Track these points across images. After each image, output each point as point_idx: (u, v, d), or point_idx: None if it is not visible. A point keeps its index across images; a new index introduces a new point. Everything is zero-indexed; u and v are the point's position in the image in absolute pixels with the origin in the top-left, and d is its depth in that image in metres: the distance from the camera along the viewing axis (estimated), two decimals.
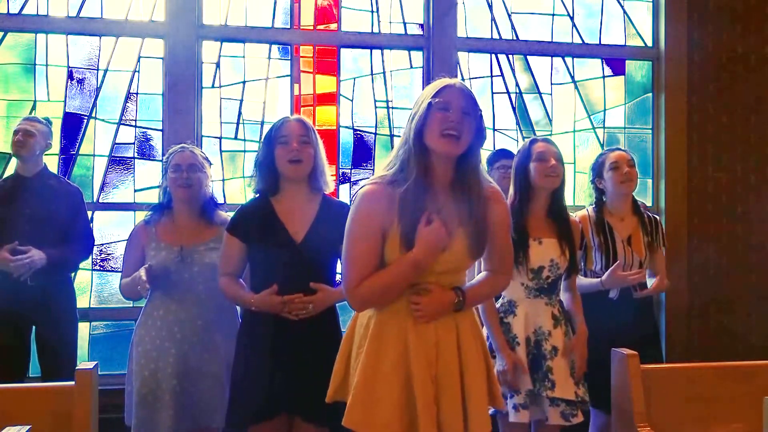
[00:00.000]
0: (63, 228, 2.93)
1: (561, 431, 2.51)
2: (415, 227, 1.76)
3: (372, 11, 3.80)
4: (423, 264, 1.77)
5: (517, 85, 3.93)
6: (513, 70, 3.93)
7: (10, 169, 3.14)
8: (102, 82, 3.57)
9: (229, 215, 2.68)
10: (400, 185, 1.79)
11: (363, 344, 1.84)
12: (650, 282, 2.91)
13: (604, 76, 4.03)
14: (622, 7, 4.04)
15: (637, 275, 2.72)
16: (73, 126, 3.53)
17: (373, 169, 3.72)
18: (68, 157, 3.48)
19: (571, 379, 2.41)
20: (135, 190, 3.58)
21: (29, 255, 2.76)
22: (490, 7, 3.90)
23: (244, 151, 3.66)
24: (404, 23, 3.83)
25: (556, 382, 2.38)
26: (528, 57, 3.93)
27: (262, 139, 2.44)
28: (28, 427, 1.71)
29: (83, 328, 3.37)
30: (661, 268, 2.93)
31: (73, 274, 3.23)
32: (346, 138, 3.76)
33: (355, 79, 3.78)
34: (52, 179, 3.03)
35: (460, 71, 3.82)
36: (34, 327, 2.94)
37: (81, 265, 3.25)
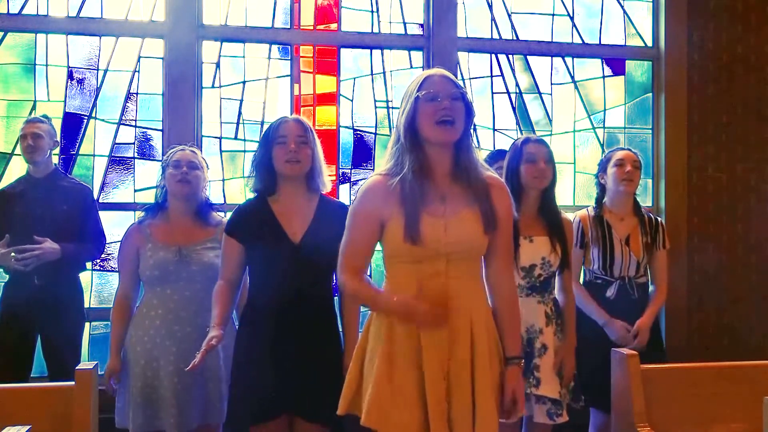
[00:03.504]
0: (75, 228, 2.95)
1: (559, 431, 2.51)
2: (417, 219, 1.78)
3: (372, 11, 3.80)
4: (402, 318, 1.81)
5: (517, 85, 3.93)
6: (513, 70, 3.92)
7: (22, 170, 3.16)
8: (102, 82, 3.57)
9: (225, 216, 2.69)
10: (396, 178, 1.82)
11: (377, 347, 1.84)
12: (651, 290, 2.92)
13: (604, 76, 4.02)
14: (622, 7, 4.04)
15: (636, 341, 2.73)
16: (73, 126, 3.53)
17: (373, 169, 3.72)
18: (68, 157, 3.49)
19: (556, 378, 2.41)
20: (135, 190, 3.58)
21: (40, 246, 2.78)
22: (490, 7, 3.90)
23: (244, 151, 3.66)
24: (404, 23, 3.82)
25: (541, 380, 2.39)
26: (528, 57, 3.93)
27: (260, 139, 2.44)
28: (28, 427, 1.71)
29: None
30: (660, 273, 2.93)
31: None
32: (346, 138, 3.76)
33: (355, 79, 3.78)
34: (63, 179, 3.06)
35: (460, 71, 3.82)
36: (40, 326, 2.94)
37: None
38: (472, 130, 1.92)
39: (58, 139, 3.15)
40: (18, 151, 3.41)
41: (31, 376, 3.06)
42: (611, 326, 2.74)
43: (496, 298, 1.94)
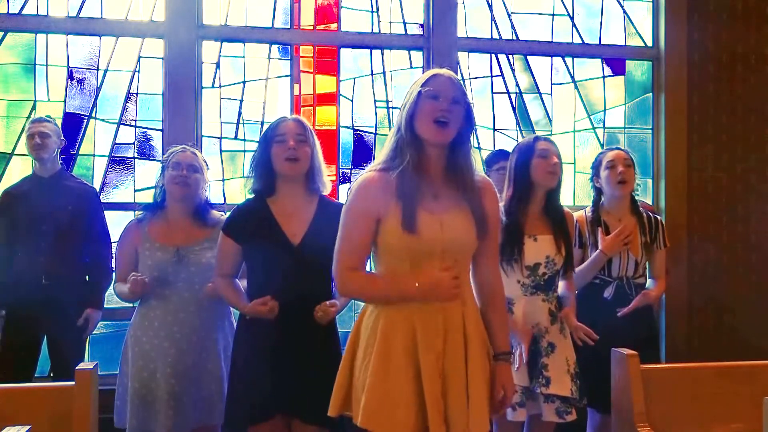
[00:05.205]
0: (80, 228, 2.95)
1: (557, 431, 2.51)
2: (414, 212, 1.78)
3: (372, 11, 3.80)
4: (417, 300, 1.80)
5: (517, 85, 3.93)
6: (513, 70, 3.93)
7: (22, 170, 3.16)
8: (102, 82, 3.57)
9: (224, 216, 2.69)
10: (394, 171, 1.82)
11: (371, 345, 1.83)
12: (650, 283, 2.91)
13: (604, 76, 4.03)
14: (622, 7, 4.04)
15: (627, 230, 2.75)
16: (73, 126, 3.53)
17: None
18: (68, 157, 3.48)
19: (567, 376, 2.41)
20: (135, 190, 3.58)
21: (90, 326, 2.97)
22: (490, 7, 3.90)
23: (244, 151, 3.66)
24: (404, 23, 3.83)
25: (551, 379, 2.38)
26: (528, 57, 3.93)
27: (259, 139, 2.43)
28: (28, 427, 1.71)
29: None
30: (660, 271, 2.92)
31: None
32: (346, 138, 3.77)
33: (355, 79, 3.79)
34: (69, 179, 3.07)
35: (460, 71, 3.82)
36: (46, 326, 2.95)
37: None
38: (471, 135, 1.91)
39: (63, 138, 3.15)
40: (18, 150, 3.43)
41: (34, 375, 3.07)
42: (603, 241, 2.74)
43: (485, 296, 1.95)
